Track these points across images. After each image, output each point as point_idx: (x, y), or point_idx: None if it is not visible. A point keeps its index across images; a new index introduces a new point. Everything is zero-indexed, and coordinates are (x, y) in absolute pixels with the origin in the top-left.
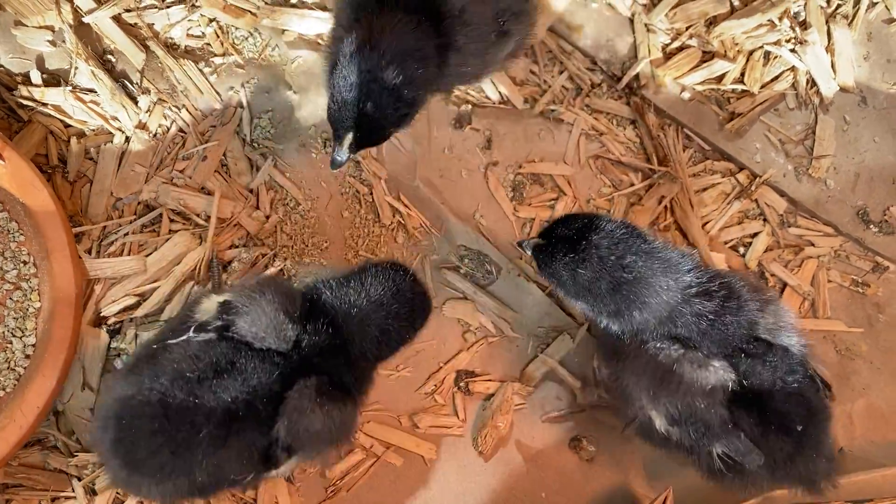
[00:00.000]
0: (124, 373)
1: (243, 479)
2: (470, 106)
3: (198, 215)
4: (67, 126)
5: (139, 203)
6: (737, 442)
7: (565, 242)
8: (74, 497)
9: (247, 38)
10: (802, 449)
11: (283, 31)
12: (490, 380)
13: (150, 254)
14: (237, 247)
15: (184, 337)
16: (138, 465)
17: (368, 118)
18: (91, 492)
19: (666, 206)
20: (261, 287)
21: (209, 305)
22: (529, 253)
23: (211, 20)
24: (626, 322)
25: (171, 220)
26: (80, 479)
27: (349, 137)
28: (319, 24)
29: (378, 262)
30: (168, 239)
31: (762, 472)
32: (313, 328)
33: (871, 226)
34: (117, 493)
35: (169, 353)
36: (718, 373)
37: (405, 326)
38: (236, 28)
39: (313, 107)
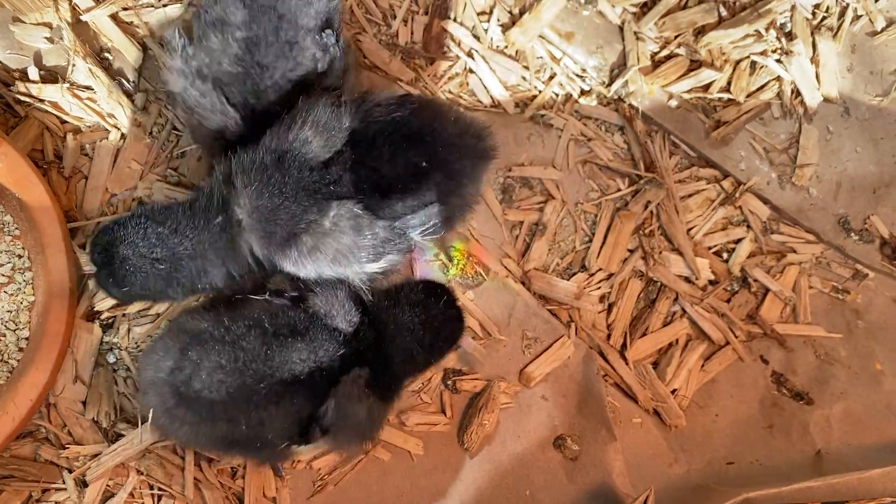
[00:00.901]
0: (197, 310)
1: (276, 445)
2: (461, 109)
3: None
4: (64, 122)
5: (133, 199)
6: None
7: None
8: (65, 489)
9: None
10: None
11: None
12: (477, 378)
13: None
14: None
15: (265, 295)
16: (189, 400)
17: None
18: (82, 484)
19: (652, 212)
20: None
21: (280, 277)
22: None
23: None
24: None
25: None
26: (70, 471)
27: None
28: None
29: (419, 282)
30: None
31: None
32: (368, 324)
33: (852, 234)
34: (108, 485)
35: (249, 304)
36: None
37: (433, 350)
38: None
39: None
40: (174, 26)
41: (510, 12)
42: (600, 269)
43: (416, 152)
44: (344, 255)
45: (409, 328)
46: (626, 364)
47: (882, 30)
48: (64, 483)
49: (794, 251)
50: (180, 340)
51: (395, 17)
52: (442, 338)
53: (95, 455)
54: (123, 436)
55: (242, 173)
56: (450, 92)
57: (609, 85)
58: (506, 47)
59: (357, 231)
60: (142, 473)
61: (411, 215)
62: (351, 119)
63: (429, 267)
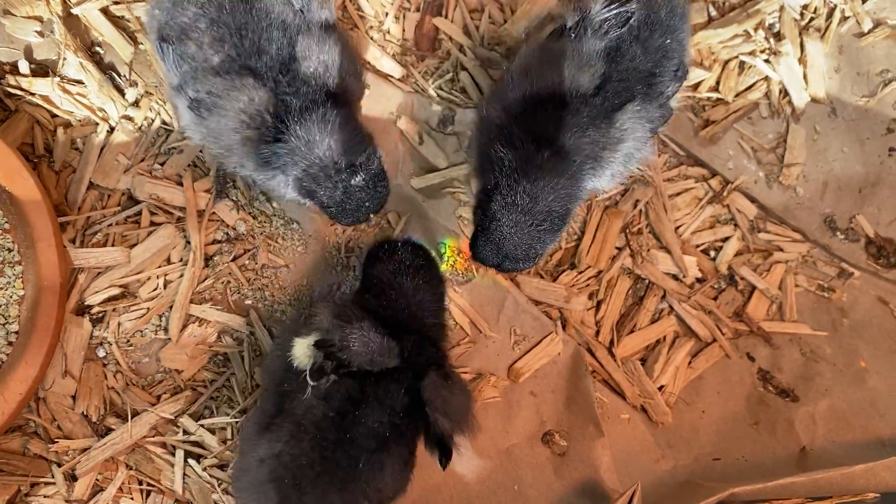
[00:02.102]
0: (257, 433)
1: (403, 491)
2: (454, 107)
3: (177, 207)
4: (54, 116)
5: (123, 194)
6: None
7: None
8: (54, 483)
9: None
10: None
11: None
12: (466, 373)
13: (135, 245)
14: (220, 242)
15: (308, 392)
16: None
17: None
18: (71, 478)
19: (641, 210)
20: (337, 313)
21: (302, 349)
22: None
23: None
24: None
25: (153, 213)
26: (59, 466)
27: None
28: None
29: (375, 248)
30: (152, 232)
31: None
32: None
33: (838, 233)
34: (97, 479)
35: (300, 402)
36: None
37: (435, 299)
38: None
39: None
40: (156, 45)
41: (501, 10)
42: (589, 267)
43: (657, 35)
44: (637, 147)
45: (411, 302)
46: (615, 360)
47: (869, 31)
48: (53, 477)
49: (781, 250)
50: (268, 472)
51: (387, 14)
52: (430, 283)
53: (85, 449)
54: (113, 430)
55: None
56: (441, 89)
57: None
58: (497, 45)
59: (641, 122)
60: (131, 468)
61: (670, 87)
62: (595, 42)
63: None
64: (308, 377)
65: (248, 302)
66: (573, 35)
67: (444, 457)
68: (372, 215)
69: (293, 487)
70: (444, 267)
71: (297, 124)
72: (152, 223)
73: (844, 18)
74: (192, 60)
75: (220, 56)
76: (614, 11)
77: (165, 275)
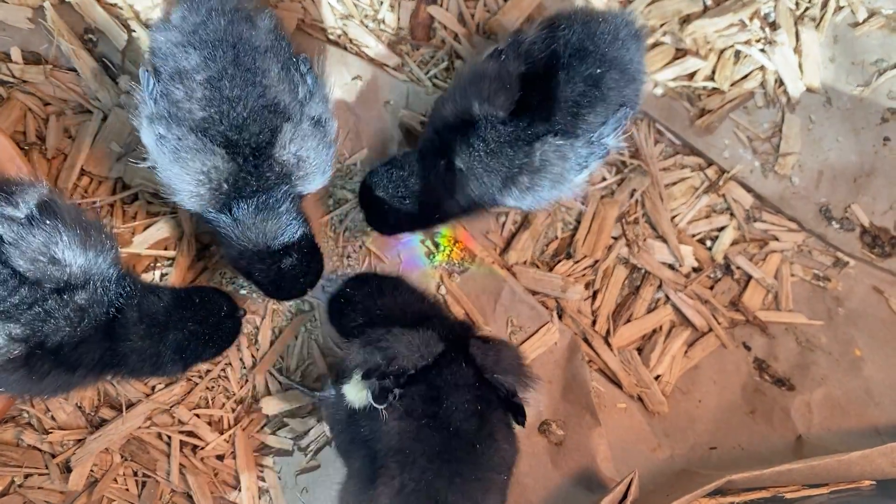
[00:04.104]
0: (364, 490)
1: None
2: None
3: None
4: (47, 104)
5: (116, 181)
6: None
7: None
8: (48, 474)
9: None
10: None
11: None
12: None
13: (134, 235)
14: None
15: (385, 416)
16: None
17: None
18: (65, 469)
19: (637, 200)
20: (364, 342)
21: (354, 390)
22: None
23: None
24: None
25: (149, 203)
26: (54, 456)
27: None
28: None
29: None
30: (152, 224)
31: None
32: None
33: (833, 222)
34: (91, 470)
35: (388, 434)
36: None
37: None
38: None
39: None
40: (141, 71)
41: None
42: (585, 256)
43: (588, 63)
44: (557, 181)
45: (400, 308)
46: (611, 350)
47: (863, 21)
48: (47, 468)
49: (777, 239)
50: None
51: (381, 3)
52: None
53: (79, 440)
54: (107, 421)
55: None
56: (436, 77)
57: None
58: (493, 34)
59: (563, 158)
60: (126, 458)
61: (604, 126)
62: (517, 66)
63: (415, 253)
64: (375, 404)
65: (243, 292)
66: (502, 57)
67: (519, 415)
68: (309, 290)
69: (435, 502)
70: (440, 257)
71: (242, 204)
72: (147, 213)
73: (839, 8)
74: (173, 105)
75: (204, 114)
76: (541, 35)
77: (160, 264)
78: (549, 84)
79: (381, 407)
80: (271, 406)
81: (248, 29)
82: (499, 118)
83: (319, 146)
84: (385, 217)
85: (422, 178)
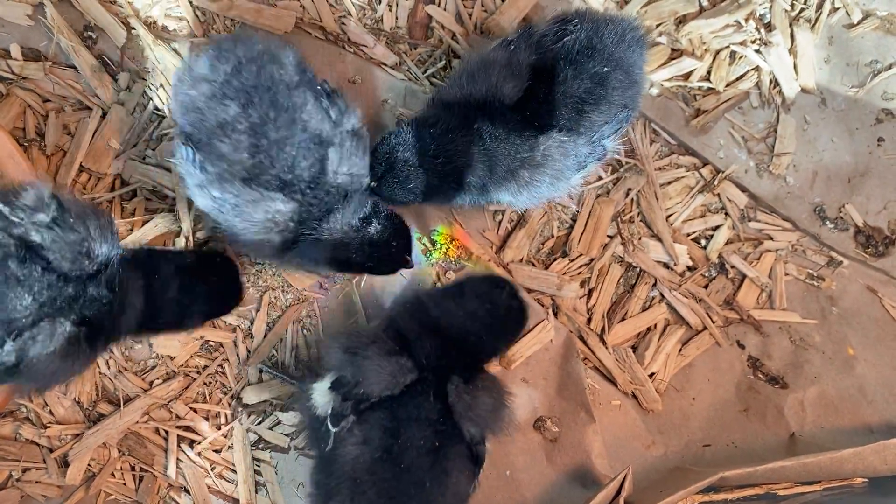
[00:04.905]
0: (319, 494)
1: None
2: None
3: (169, 190)
4: (46, 101)
5: (115, 178)
6: None
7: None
8: (45, 468)
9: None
10: None
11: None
12: None
13: (131, 231)
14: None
15: (330, 443)
16: None
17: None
18: (63, 463)
19: (632, 199)
20: (347, 346)
21: (321, 396)
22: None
23: (190, 1)
24: None
25: (147, 199)
26: (51, 451)
27: None
28: None
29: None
30: (150, 220)
31: None
32: (418, 342)
33: (827, 222)
34: (89, 464)
35: (344, 458)
36: None
37: (497, 338)
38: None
39: None
40: (175, 144)
41: None
42: (581, 255)
43: (596, 60)
44: (556, 177)
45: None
46: (606, 348)
47: (858, 22)
48: (45, 462)
49: (771, 238)
50: None
51: (379, 2)
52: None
53: (77, 435)
54: (105, 416)
55: None
56: (434, 76)
57: None
58: (490, 33)
59: (565, 155)
60: (124, 453)
61: (606, 125)
62: (527, 56)
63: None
64: (329, 424)
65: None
66: (512, 47)
67: (475, 464)
68: (408, 256)
69: None
70: (436, 255)
71: (320, 222)
72: (146, 210)
73: (834, 9)
74: (220, 162)
75: (254, 161)
76: (553, 28)
77: None
78: (556, 79)
79: (334, 430)
80: (251, 396)
81: (277, 69)
82: (506, 105)
83: (363, 153)
84: (407, 182)
85: (446, 140)
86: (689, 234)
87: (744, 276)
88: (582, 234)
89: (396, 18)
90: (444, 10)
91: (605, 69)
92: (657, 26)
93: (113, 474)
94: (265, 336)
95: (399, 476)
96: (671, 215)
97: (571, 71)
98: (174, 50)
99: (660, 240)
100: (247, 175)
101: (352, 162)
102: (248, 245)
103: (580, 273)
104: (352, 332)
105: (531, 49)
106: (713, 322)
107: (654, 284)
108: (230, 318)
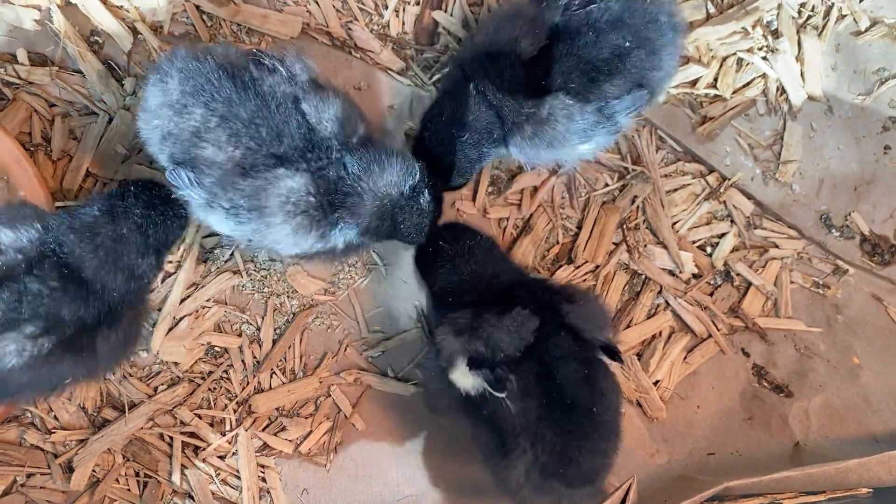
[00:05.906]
0: (490, 453)
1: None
2: None
3: None
4: (52, 105)
5: (121, 183)
6: None
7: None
8: (50, 473)
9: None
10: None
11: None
12: None
13: None
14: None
15: (510, 407)
16: None
17: None
18: (68, 469)
19: (638, 206)
20: (457, 330)
21: (464, 379)
22: None
23: (197, 6)
24: None
25: None
26: (56, 456)
27: None
28: None
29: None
30: None
31: None
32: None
33: (833, 230)
34: (93, 470)
35: (506, 415)
36: None
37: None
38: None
39: None
40: (169, 177)
41: (500, 3)
42: (586, 262)
43: (619, 34)
44: (559, 140)
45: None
46: None
47: (866, 30)
48: (49, 468)
49: (777, 246)
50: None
51: (386, 8)
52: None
53: (82, 440)
54: (110, 422)
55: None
56: (440, 82)
57: None
58: None
59: (569, 118)
60: (128, 459)
61: (619, 99)
62: (552, 15)
63: None
64: (496, 394)
65: (247, 292)
66: (543, 3)
67: (617, 359)
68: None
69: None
70: None
71: (351, 182)
72: None
73: (842, 16)
74: (211, 167)
75: (241, 150)
76: None
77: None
78: (575, 43)
79: (502, 395)
80: (262, 404)
81: (213, 63)
82: (520, 59)
83: (336, 98)
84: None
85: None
86: (694, 242)
87: (749, 284)
88: (587, 241)
89: (403, 24)
90: (451, 15)
91: (627, 44)
92: None
93: (117, 480)
94: (274, 343)
95: (569, 413)
96: (677, 222)
97: (592, 38)
98: None
99: (665, 247)
100: (242, 168)
101: (327, 105)
102: (282, 243)
103: (585, 280)
104: (446, 316)
105: (559, 10)
106: (718, 330)
107: (660, 292)
108: (238, 322)
